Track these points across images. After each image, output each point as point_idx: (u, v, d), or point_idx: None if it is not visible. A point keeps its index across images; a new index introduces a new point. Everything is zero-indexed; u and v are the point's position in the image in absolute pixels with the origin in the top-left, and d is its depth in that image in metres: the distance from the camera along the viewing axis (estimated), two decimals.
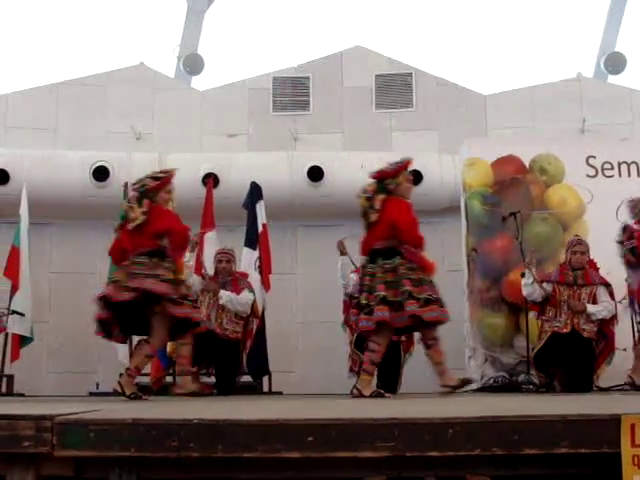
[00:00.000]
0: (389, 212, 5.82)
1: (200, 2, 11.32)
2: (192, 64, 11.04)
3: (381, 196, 5.92)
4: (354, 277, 7.48)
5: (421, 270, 5.77)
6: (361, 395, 5.57)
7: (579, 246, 7.22)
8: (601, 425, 2.66)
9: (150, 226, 5.77)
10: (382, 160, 9.57)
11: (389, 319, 5.61)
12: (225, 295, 7.42)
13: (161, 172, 6.17)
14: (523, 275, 7.34)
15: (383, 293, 5.63)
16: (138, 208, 5.81)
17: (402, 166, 6.08)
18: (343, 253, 7.47)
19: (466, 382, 6.06)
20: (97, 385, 8.81)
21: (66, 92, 10.22)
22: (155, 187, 5.92)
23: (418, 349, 7.62)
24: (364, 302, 5.73)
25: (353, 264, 7.51)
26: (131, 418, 2.75)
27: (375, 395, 5.58)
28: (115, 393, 5.70)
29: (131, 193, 6.07)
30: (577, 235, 7.54)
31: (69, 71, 12.56)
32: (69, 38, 12.40)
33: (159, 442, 2.68)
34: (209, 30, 11.50)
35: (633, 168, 8.39)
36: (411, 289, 5.61)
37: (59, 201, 9.50)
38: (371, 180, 6.10)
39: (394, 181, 5.97)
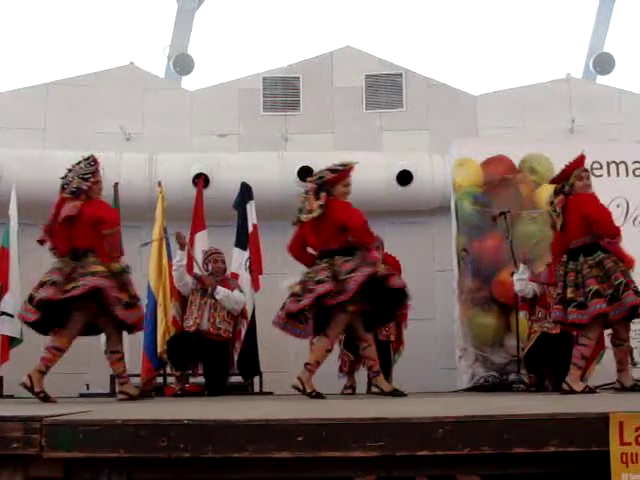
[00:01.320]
0: (578, 209, 5.83)
1: (190, 2, 11.30)
2: (182, 64, 11.02)
3: (560, 197, 5.95)
4: None
5: (622, 262, 5.79)
6: (572, 391, 5.54)
7: None
8: (590, 424, 2.67)
9: (328, 219, 5.74)
10: (372, 160, 9.67)
11: (610, 309, 5.64)
12: (222, 291, 7.44)
13: (340, 165, 6.02)
14: (513, 274, 7.37)
15: (596, 287, 5.63)
16: (315, 200, 5.78)
17: (571, 166, 6.04)
18: None
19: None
20: (87, 386, 8.77)
21: (56, 92, 10.18)
22: (332, 179, 5.87)
23: (407, 348, 7.65)
24: (571, 296, 5.73)
25: None
26: (121, 419, 2.75)
27: (587, 391, 5.59)
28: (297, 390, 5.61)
29: (309, 185, 5.98)
30: None
31: (59, 71, 12.54)
32: (59, 38, 12.36)
33: (149, 443, 2.67)
34: (199, 30, 11.49)
35: (622, 168, 8.42)
36: (626, 280, 5.64)
37: (49, 202, 9.42)
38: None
39: (567, 183, 5.98)
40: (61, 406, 3.97)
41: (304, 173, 9.54)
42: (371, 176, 9.51)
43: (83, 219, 5.75)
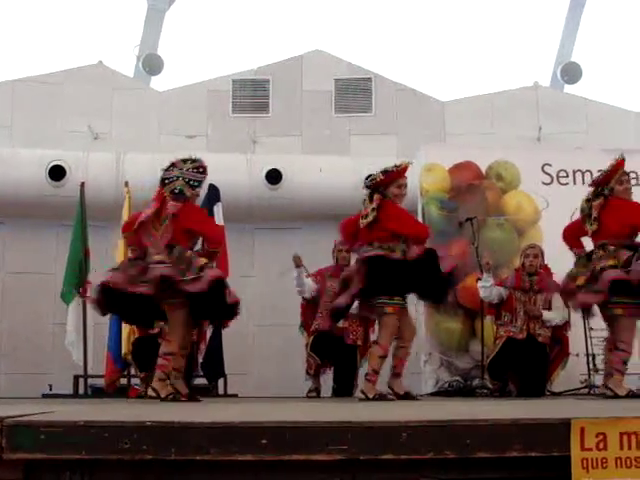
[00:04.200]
0: (624, 215, 5.87)
1: (161, 2, 11.26)
2: (151, 64, 10.98)
3: (599, 200, 5.97)
4: (309, 281, 7.48)
5: None
6: (615, 395, 5.54)
7: (531, 249, 7.31)
8: (551, 429, 2.69)
9: (380, 224, 5.66)
10: (340, 164, 9.70)
11: None
12: None
13: (393, 166, 5.83)
14: (479, 280, 7.40)
15: None
16: (369, 204, 5.70)
17: (613, 170, 6.01)
18: (299, 266, 7.45)
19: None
20: (50, 387, 8.70)
21: (23, 90, 10.09)
22: (384, 181, 5.73)
23: None
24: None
25: (306, 270, 7.50)
26: (83, 420, 2.73)
27: (631, 395, 5.57)
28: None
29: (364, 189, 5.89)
30: None
31: (26, 68, 12.43)
32: (27, 35, 12.27)
33: (111, 444, 2.65)
34: (169, 30, 11.46)
35: (587, 176, 8.47)
36: None
37: (14, 200, 9.38)
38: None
39: (607, 187, 6.00)
40: (23, 407, 3.92)
41: (272, 176, 9.55)
42: (339, 180, 9.54)
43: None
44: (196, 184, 5.69)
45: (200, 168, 5.77)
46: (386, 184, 5.77)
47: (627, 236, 5.86)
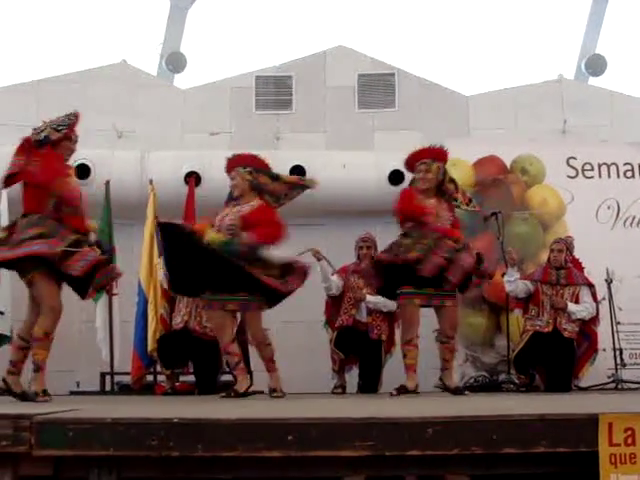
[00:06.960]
0: None
1: (183, 0, 11.29)
2: (175, 62, 11.00)
3: None
4: (335, 279, 7.49)
5: None
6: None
7: (556, 244, 7.28)
8: (579, 424, 2.68)
9: None
10: (364, 159, 9.67)
11: None
12: None
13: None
14: (504, 275, 7.37)
15: None
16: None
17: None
18: (319, 259, 7.45)
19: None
20: (78, 384, 8.75)
21: (47, 89, 10.14)
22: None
23: (398, 349, 7.65)
24: None
25: (331, 267, 7.50)
26: (111, 417, 2.75)
27: None
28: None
29: None
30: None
31: (50, 68, 12.49)
32: (50, 35, 12.33)
33: (139, 441, 2.67)
34: (192, 28, 11.48)
35: (613, 169, 8.45)
36: None
37: None
38: None
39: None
40: (51, 404, 3.96)
41: (296, 172, 9.54)
42: (363, 175, 9.51)
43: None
44: (62, 127, 5.40)
45: (71, 115, 5.53)
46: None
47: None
